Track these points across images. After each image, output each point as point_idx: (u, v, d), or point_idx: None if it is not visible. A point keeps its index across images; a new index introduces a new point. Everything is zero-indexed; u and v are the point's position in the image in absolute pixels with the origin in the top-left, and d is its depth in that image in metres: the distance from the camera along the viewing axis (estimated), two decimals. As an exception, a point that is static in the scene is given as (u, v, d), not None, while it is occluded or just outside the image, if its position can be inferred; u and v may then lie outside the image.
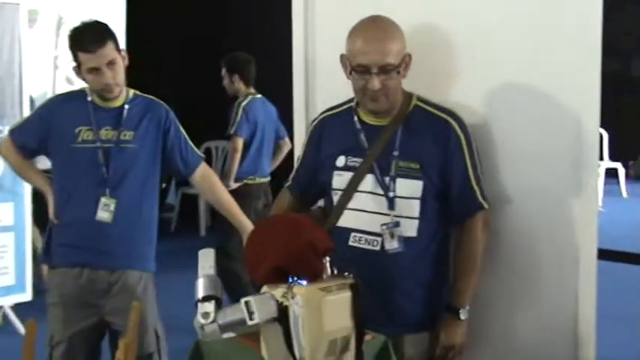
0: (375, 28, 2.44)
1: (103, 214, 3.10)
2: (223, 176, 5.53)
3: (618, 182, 10.50)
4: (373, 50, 2.39)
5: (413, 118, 2.52)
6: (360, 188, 2.50)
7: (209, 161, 6.10)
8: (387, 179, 2.47)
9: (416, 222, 2.48)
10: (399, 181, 2.47)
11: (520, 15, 2.60)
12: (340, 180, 2.53)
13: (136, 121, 3.20)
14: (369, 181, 2.49)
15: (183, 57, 8.56)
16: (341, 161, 2.54)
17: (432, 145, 2.48)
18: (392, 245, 2.46)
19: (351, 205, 2.51)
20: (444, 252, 2.58)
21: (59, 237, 3.19)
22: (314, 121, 2.69)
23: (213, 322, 1.98)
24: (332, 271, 2.05)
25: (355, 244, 2.49)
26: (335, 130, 2.61)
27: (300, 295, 1.94)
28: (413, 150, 2.48)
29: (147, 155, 3.22)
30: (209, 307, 2.00)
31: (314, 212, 2.65)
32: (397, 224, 2.46)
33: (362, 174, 2.49)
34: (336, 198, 2.55)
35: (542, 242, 2.61)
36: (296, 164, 2.76)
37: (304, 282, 1.98)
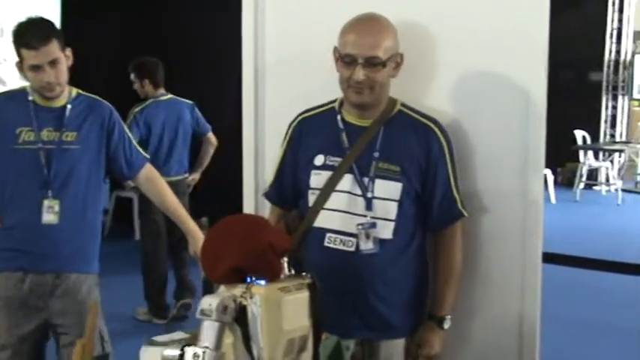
0: (367, 22, 2.46)
1: (49, 217, 3.04)
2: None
3: (547, 188, 10.74)
4: (361, 42, 2.41)
5: (396, 121, 2.52)
6: (338, 188, 2.48)
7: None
8: (365, 180, 2.47)
9: (392, 224, 2.47)
10: (378, 182, 2.47)
11: (461, 18, 2.64)
12: (318, 179, 2.51)
13: (79, 122, 3.13)
14: (347, 181, 2.48)
15: (118, 61, 8.46)
16: (320, 160, 2.52)
17: (413, 149, 2.49)
18: (367, 246, 2.45)
19: (327, 205, 2.49)
20: (420, 258, 2.57)
21: (1, 241, 3.11)
22: (292, 123, 2.65)
23: None
24: (290, 271, 2.06)
25: (330, 245, 2.48)
26: (315, 130, 2.59)
27: (258, 295, 1.94)
28: (394, 152, 2.48)
29: (90, 156, 3.15)
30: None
31: (289, 216, 2.62)
32: (373, 225, 2.45)
33: (341, 173, 2.48)
34: (312, 198, 2.52)
35: (488, 245, 2.66)
36: (273, 170, 2.70)
37: (262, 282, 1.98)
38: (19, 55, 3.02)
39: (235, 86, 3.16)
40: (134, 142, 3.33)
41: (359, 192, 2.47)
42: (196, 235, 3.27)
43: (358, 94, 2.45)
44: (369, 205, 2.46)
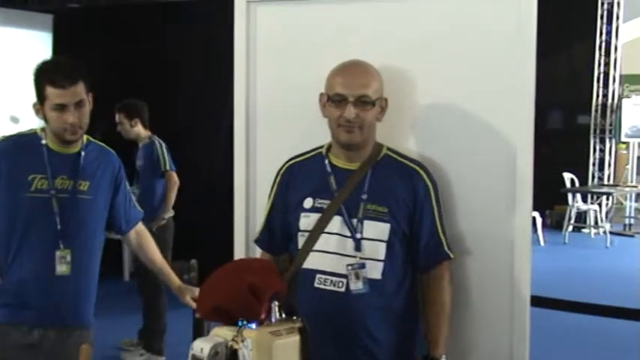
0: (355, 65, 2.54)
1: (62, 267, 2.92)
2: (156, 211, 5.88)
3: (536, 230, 10.79)
4: (351, 82, 2.49)
5: (382, 164, 2.58)
6: (327, 230, 2.53)
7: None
8: (354, 221, 2.52)
9: (381, 264, 2.51)
10: (367, 223, 2.51)
11: (447, 62, 2.69)
12: (307, 221, 2.56)
13: (93, 171, 3.04)
14: (336, 223, 2.53)
15: (112, 100, 8.53)
16: (308, 203, 2.57)
17: (400, 191, 2.54)
18: (357, 286, 2.49)
19: (317, 246, 2.54)
20: (411, 298, 2.60)
21: (6, 295, 2.95)
22: (280, 168, 2.70)
23: None
24: (281, 315, 2.08)
25: (320, 286, 2.51)
26: (303, 174, 2.64)
27: (250, 339, 1.96)
28: (381, 194, 2.53)
29: (98, 207, 3.07)
30: None
31: (279, 259, 2.64)
32: (363, 265, 2.49)
33: (330, 215, 2.53)
34: (302, 240, 2.57)
35: (477, 288, 2.69)
36: (262, 217, 2.74)
37: (254, 325, 2.01)
38: (43, 93, 2.89)
39: (227, 130, 3.18)
40: (133, 196, 3.28)
41: (348, 233, 2.52)
42: (183, 286, 3.16)
43: (348, 132, 2.51)
44: (358, 246, 2.51)
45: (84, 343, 2.90)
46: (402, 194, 2.54)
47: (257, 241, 2.77)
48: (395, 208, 2.53)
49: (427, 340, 2.57)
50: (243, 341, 1.96)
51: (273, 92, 2.93)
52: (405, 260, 2.56)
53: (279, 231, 2.68)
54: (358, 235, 2.51)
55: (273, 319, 2.06)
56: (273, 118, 2.94)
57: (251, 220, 2.97)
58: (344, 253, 2.51)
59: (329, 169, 2.59)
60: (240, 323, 2.00)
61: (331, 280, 2.51)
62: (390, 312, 2.54)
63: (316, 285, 2.52)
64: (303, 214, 2.57)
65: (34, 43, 8.27)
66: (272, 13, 2.94)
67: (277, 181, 2.69)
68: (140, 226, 3.29)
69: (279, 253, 2.68)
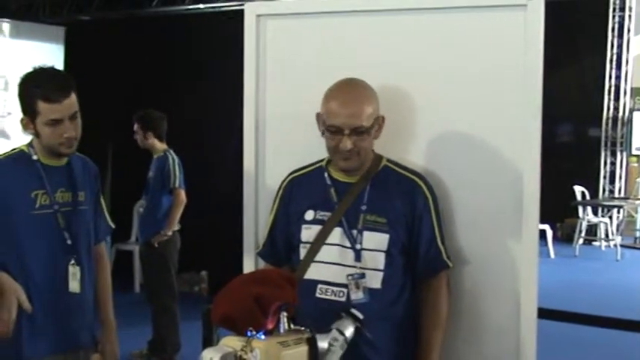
0: (349, 91, 2.55)
1: (73, 284, 2.84)
2: (159, 225, 5.93)
3: (546, 243, 10.77)
4: (346, 113, 2.50)
5: (382, 176, 2.62)
6: (328, 241, 2.57)
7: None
8: (354, 232, 2.56)
9: (381, 274, 2.55)
10: (366, 234, 2.55)
11: (463, 72, 2.71)
12: (308, 233, 2.60)
13: (83, 180, 2.97)
14: (336, 234, 2.57)
15: (123, 111, 8.61)
16: (310, 215, 2.61)
17: (399, 202, 2.58)
18: (357, 296, 2.52)
19: (318, 257, 2.58)
20: (410, 308, 2.62)
21: (29, 327, 2.78)
22: (282, 182, 2.74)
23: None
24: (289, 326, 2.09)
25: (322, 296, 2.55)
26: (305, 187, 2.68)
27: (258, 349, 1.98)
28: (380, 205, 2.57)
29: (91, 217, 3.00)
30: None
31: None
32: (362, 275, 2.53)
33: (330, 227, 2.57)
34: (303, 251, 2.61)
35: (484, 301, 2.71)
36: (265, 230, 2.77)
37: (262, 336, 2.02)
38: (34, 108, 2.76)
39: (236, 139, 3.18)
40: (104, 206, 3.15)
41: (348, 244, 2.56)
42: (112, 333, 3.08)
43: (346, 160, 2.56)
44: (358, 257, 2.55)
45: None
46: (401, 205, 2.58)
47: (260, 254, 2.80)
48: (394, 218, 2.56)
49: (420, 350, 2.60)
50: (251, 351, 1.98)
51: (283, 105, 2.96)
52: (404, 270, 2.60)
53: (281, 243, 2.71)
54: (358, 246, 2.55)
55: (281, 330, 2.08)
56: (283, 131, 2.96)
57: (260, 232, 2.99)
58: (344, 263, 2.55)
59: (329, 181, 2.64)
60: (249, 333, 2.02)
61: (332, 290, 2.55)
62: (390, 321, 2.56)
63: (317, 295, 2.55)
64: (304, 226, 2.61)
65: (47, 56, 8.31)
66: (282, 27, 2.96)
67: (280, 194, 2.74)
68: (102, 249, 3.14)
69: (281, 264, 2.71)
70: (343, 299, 2.53)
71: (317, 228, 2.59)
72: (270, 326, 2.06)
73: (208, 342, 2.75)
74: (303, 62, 2.93)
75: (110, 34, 9.14)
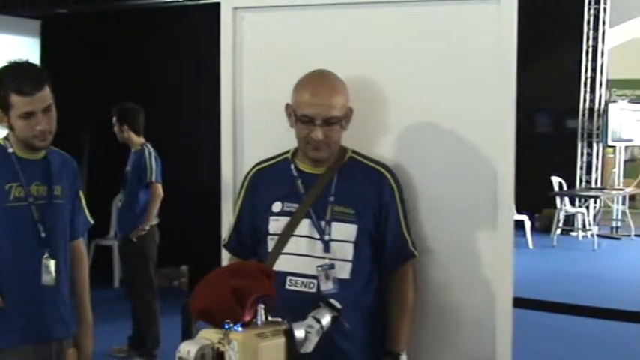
0: (321, 82, 2.57)
1: (47, 277, 2.85)
2: (137, 220, 5.90)
3: (524, 234, 10.86)
4: (318, 103, 2.52)
5: (348, 167, 2.64)
6: (296, 232, 2.59)
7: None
8: (322, 223, 2.58)
9: (349, 264, 2.57)
10: (335, 225, 2.57)
11: (437, 64, 2.73)
12: (276, 225, 2.61)
13: (61, 175, 2.98)
14: (305, 226, 2.58)
15: (100, 104, 8.57)
16: (277, 207, 2.63)
17: (366, 193, 2.60)
18: (327, 286, 2.54)
19: (286, 249, 2.59)
20: (379, 297, 2.66)
21: (3, 319, 2.83)
22: (247, 174, 2.75)
23: None
24: (266, 317, 2.11)
25: (292, 287, 2.56)
26: (271, 179, 2.70)
27: (235, 341, 1.99)
28: (348, 196, 2.60)
29: (68, 212, 3.01)
30: None
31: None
32: (332, 266, 2.55)
33: (298, 218, 2.59)
34: (271, 243, 2.62)
35: (460, 291, 2.73)
36: (231, 220, 2.79)
37: (240, 328, 2.03)
38: (7, 101, 2.78)
39: (213, 133, 3.19)
40: (84, 203, 3.16)
41: (317, 235, 2.58)
42: (87, 327, 3.09)
43: (316, 150, 2.57)
44: (327, 248, 2.57)
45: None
46: (368, 196, 2.60)
47: (226, 246, 2.81)
48: (361, 209, 2.59)
49: (389, 336, 2.63)
50: (229, 343, 1.99)
51: (260, 98, 2.96)
52: (372, 259, 2.63)
53: (247, 235, 2.73)
54: (327, 237, 2.57)
55: (259, 322, 2.09)
56: (260, 124, 2.97)
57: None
58: (313, 254, 2.57)
59: (295, 173, 2.65)
60: (226, 326, 2.03)
61: (302, 282, 2.57)
62: (360, 310, 2.58)
63: (287, 287, 2.56)
64: (272, 218, 2.62)
65: (22, 49, 8.27)
66: (258, 20, 2.97)
67: (245, 185, 2.75)
68: (80, 245, 3.14)
69: (247, 256, 2.72)
70: (313, 290, 2.55)
71: (285, 220, 2.60)
72: (247, 318, 2.08)
73: (187, 335, 2.76)
74: (279, 55, 2.93)
75: (87, 28, 9.08)
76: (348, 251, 2.58)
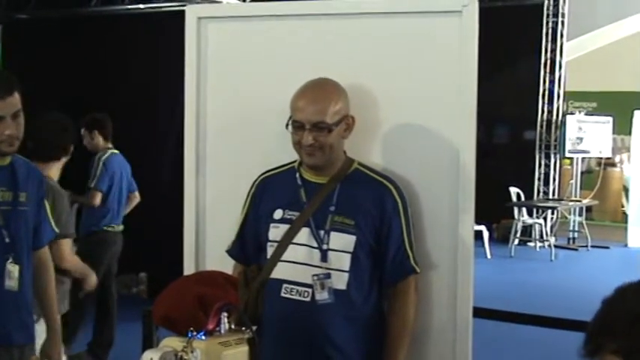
0: (314, 89, 2.59)
1: (10, 282, 2.83)
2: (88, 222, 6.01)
3: (483, 244, 10.95)
4: (308, 109, 2.54)
5: (352, 179, 2.64)
6: (295, 240, 2.58)
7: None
8: (321, 232, 2.57)
9: (346, 275, 2.56)
10: (333, 235, 2.57)
11: (401, 74, 2.77)
12: (276, 232, 2.61)
13: (27, 182, 2.97)
14: (304, 234, 2.58)
15: (61, 111, 8.49)
16: (278, 214, 2.62)
17: (368, 205, 2.60)
18: (322, 296, 2.54)
19: (285, 257, 2.58)
20: (378, 312, 2.65)
21: None
22: (255, 181, 2.74)
23: None
24: (230, 326, 2.11)
25: (287, 296, 2.56)
26: (276, 187, 2.69)
27: (199, 349, 1.99)
28: (349, 207, 2.59)
29: (32, 219, 3.00)
30: None
31: (249, 269, 2.67)
32: (328, 275, 2.54)
33: (298, 227, 2.58)
34: (271, 250, 2.61)
35: (420, 300, 2.72)
36: (235, 227, 2.76)
37: (203, 336, 2.04)
38: None
39: (175, 141, 3.20)
40: (49, 212, 3.18)
41: (315, 244, 2.57)
42: (56, 336, 3.11)
43: (309, 155, 2.58)
44: (324, 257, 2.56)
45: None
46: (370, 208, 2.59)
47: (229, 252, 2.79)
48: (362, 221, 2.58)
49: (385, 355, 2.61)
50: (192, 352, 1.99)
51: (224, 106, 2.98)
52: (371, 273, 2.61)
53: (251, 242, 2.71)
54: (325, 246, 2.56)
55: (222, 330, 2.10)
56: (223, 132, 2.98)
57: (200, 233, 3.00)
58: (310, 263, 2.56)
59: (299, 182, 2.65)
60: (189, 334, 2.03)
61: (297, 290, 2.56)
62: (356, 323, 2.58)
63: (282, 295, 2.56)
64: (272, 225, 2.62)
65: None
66: (222, 30, 2.98)
67: (251, 193, 2.74)
68: (46, 252, 3.16)
69: (250, 263, 2.71)
70: (308, 299, 2.54)
71: (285, 227, 2.60)
72: (211, 327, 2.07)
73: (148, 343, 2.77)
74: (244, 64, 2.95)
75: (49, 34, 9.01)
76: (345, 262, 2.57)
